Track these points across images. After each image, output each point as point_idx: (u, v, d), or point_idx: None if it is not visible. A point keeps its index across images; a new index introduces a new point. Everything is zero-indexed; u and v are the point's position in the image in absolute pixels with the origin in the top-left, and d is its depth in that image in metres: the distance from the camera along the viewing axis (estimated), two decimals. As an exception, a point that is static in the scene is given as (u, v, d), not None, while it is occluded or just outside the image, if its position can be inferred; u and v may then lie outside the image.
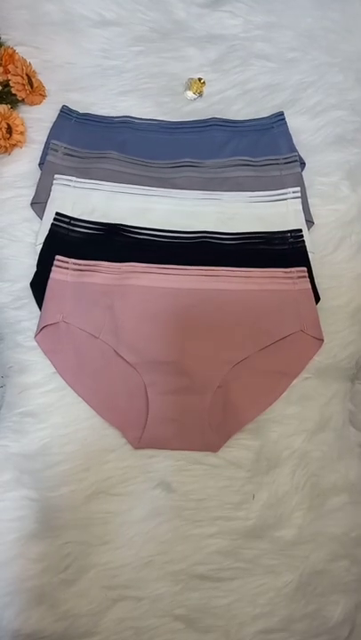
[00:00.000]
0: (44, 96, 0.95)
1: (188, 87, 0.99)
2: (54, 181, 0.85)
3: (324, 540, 0.70)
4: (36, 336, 0.75)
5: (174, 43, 1.01)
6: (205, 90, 0.99)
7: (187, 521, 0.70)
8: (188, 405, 0.73)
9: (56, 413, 0.74)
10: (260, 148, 0.92)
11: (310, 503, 0.71)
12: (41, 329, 0.74)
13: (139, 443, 0.72)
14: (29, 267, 0.80)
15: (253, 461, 0.73)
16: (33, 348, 0.76)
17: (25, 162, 0.90)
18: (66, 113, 0.94)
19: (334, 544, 0.70)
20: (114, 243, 0.81)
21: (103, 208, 0.84)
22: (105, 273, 0.77)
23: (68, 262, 0.77)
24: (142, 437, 0.72)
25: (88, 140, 0.91)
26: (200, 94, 0.99)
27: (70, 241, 0.80)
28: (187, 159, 0.89)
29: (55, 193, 0.85)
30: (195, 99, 0.99)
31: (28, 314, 0.79)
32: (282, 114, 0.94)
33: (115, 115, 0.94)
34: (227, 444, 0.73)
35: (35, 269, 0.80)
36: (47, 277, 0.76)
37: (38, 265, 0.80)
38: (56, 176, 0.85)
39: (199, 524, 0.70)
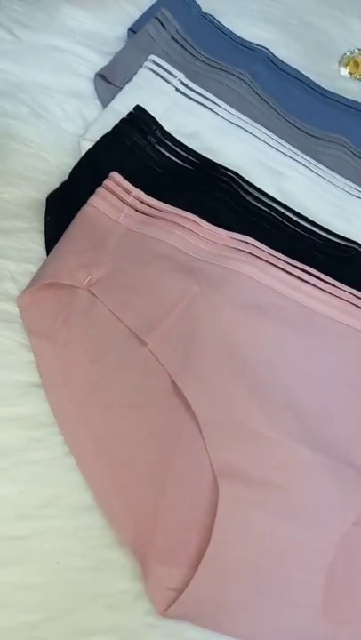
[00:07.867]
0: None
1: (345, 63, 0.69)
2: (146, 63, 0.49)
3: None
4: (20, 297, 0.39)
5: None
6: (366, 75, 0.69)
7: None
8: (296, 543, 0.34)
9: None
10: None
11: None
12: (36, 287, 0.39)
13: (172, 607, 0.32)
14: (55, 171, 0.46)
15: None
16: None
17: (109, 18, 0.54)
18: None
19: None
20: (218, 197, 0.45)
21: (209, 141, 0.50)
22: (193, 238, 0.40)
23: (130, 193, 0.41)
24: (183, 595, 0.32)
25: (209, 45, 0.56)
26: (358, 78, 0.69)
27: (143, 161, 0.45)
28: (341, 137, 0.57)
29: (142, 80, 0.48)
30: (350, 79, 0.68)
31: (20, 249, 0.41)
32: None
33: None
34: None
35: (62, 178, 0.45)
36: (81, 201, 0.41)
37: (73, 174, 0.45)
38: (152, 57, 0.50)
39: None
